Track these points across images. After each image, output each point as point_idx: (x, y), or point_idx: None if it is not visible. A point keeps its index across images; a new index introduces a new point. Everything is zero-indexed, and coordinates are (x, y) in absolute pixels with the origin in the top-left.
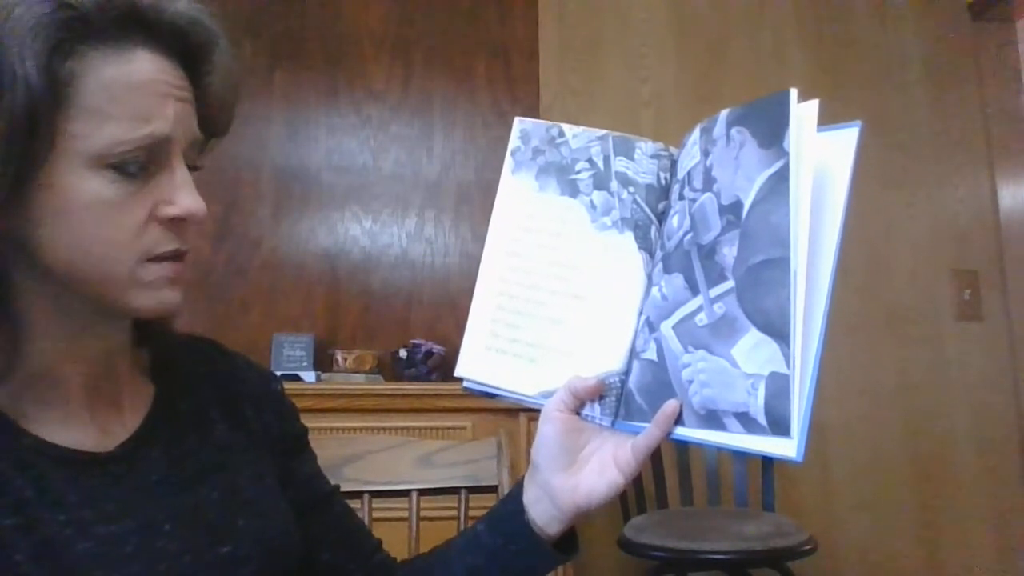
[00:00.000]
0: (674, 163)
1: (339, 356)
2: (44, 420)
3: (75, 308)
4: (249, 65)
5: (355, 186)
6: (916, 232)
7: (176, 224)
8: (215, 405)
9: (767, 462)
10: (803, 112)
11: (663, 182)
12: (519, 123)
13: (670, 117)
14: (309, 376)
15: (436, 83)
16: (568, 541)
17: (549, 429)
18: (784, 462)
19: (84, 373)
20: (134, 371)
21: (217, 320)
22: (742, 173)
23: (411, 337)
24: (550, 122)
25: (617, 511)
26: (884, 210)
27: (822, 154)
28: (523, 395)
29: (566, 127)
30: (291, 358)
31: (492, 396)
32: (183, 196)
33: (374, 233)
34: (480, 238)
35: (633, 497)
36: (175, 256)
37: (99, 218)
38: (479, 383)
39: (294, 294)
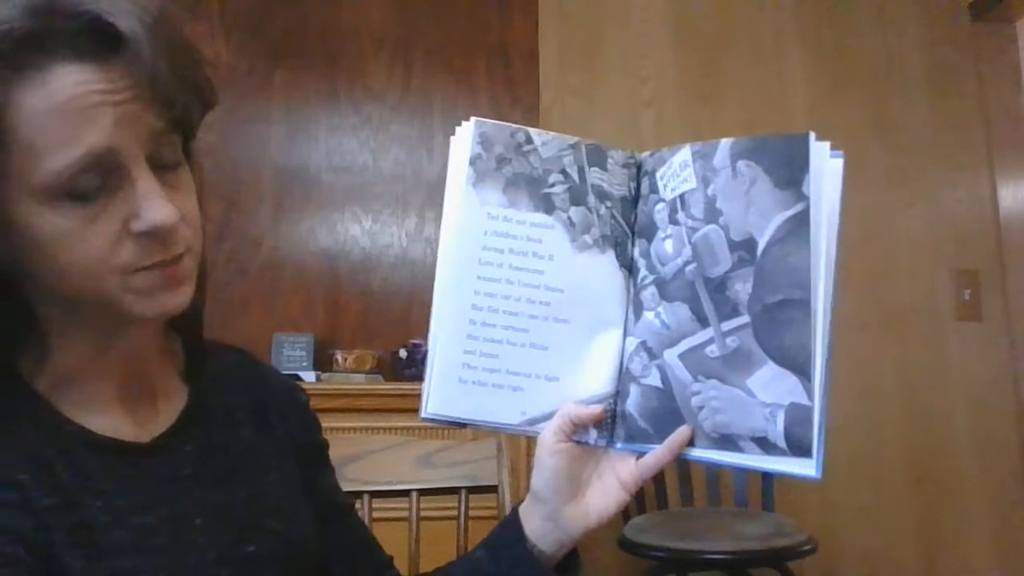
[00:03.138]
0: (639, 169)
1: (339, 356)
2: (82, 410)
3: (92, 318)
4: (249, 65)
5: (355, 186)
6: (916, 232)
7: (150, 236)
8: (243, 408)
9: None
10: (821, 154)
11: (633, 192)
12: (477, 125)
13: (670, 117)
14: (309, 376)
15: (436, 83)
16: (570, 558)
17: (556, 462)
18: (797, 478)
19: (115, 373)
20: (168, 372)
21: (217, 320)
22: (755, 210)
23: (411, 337)
24: (514, 125)
25: None
26: (884, 210)
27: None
28: (507, 425)
29: (533, 132)
30: (291, 358)
31: (461, 426)
32: (147, 209)
33: (374, 233)
34: None
35: (633, 497)
36: (165, 263)
37: (68, 247)
38: (452, 418)
39: (294, 294)
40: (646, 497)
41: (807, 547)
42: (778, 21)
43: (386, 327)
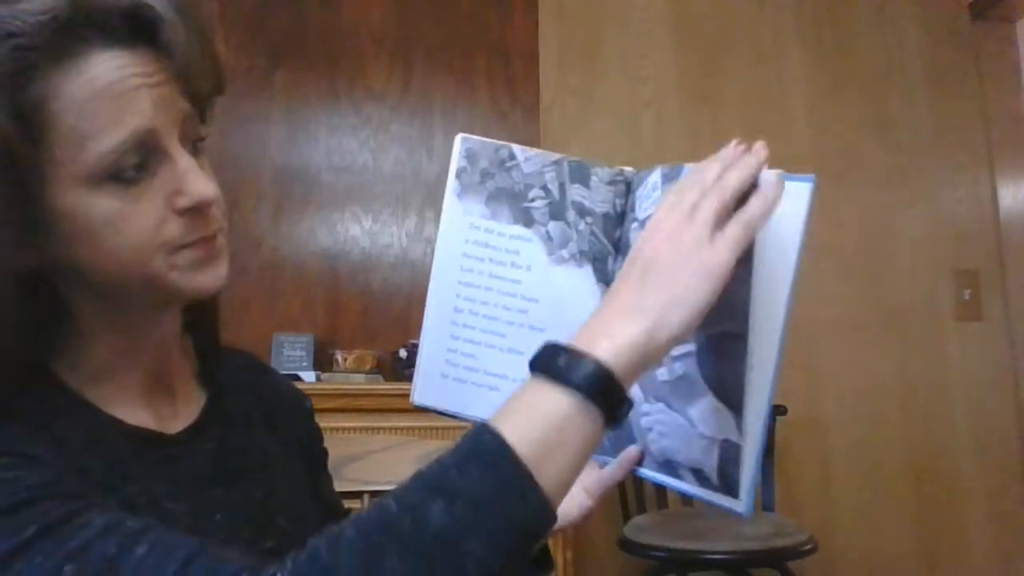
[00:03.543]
0: (629, 186)
1: (339, 356)
2: (111, 406)
3: (127, 307)
4: (249, 65)
5: (355, 186)
6: (916, 232)
7: (193, 212)
8: (255, 410)
9: (768, 462)
10: (769, 184)
11: (619, 209)
12: (463, 141)
13: (670, 117)
14: (309, 376)
15: (436, 83)
16: (543, 558)
17: None
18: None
19: (142, 368)
20: (185, 373)
21: None
22: None
23: (411, 337)
24: (499, 142)
25: (617, 511)
26: (884, 210)
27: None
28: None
29: (517, 149)
30: (291, 358)
31: (448, 416)
32: (190, 184)
33: (374, 233)
34: None
35: (633, 497)
36: (203, 240)
37: (118, 229)
38: (437, 409)
39: (294, 294)
40: (646, 497)
41: (807, 547)
42: (778, 21)
43: (386, 327)
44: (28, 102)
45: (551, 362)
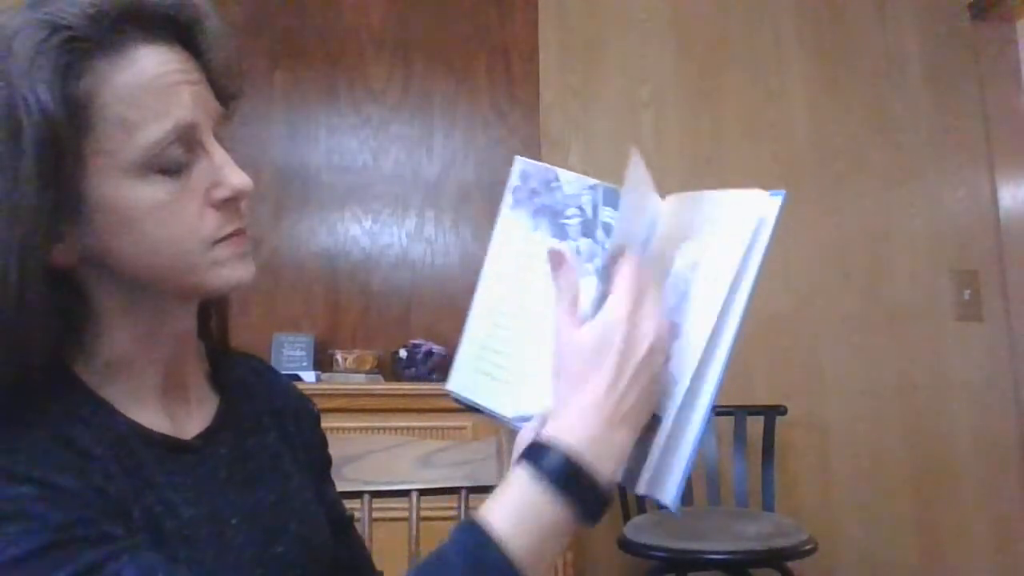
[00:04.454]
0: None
1: (339, 356)
2: (128, 407)
3: (149, 304)
4: (249, 65)
5: (355, 186)
6: (916, 232)
7: (229, 204)
8: (266, 414)
9: (768, 462)
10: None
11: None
12: (520, 163)
13: (670, 117)
14: (309, 376)
15: (436, 83)
16: None
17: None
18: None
19: (159, 367)
20: (199, 376)
21: None
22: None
23: (411, 337)
24: (548, 166)
25: (617, 511)
26: (884, 210)
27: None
28: (502, 415)
29: (562, 173)
30: (291, 358)
31: (476, 410)
32: (228, 176)
33: (374, 233)
34: (480, 238)
35: (633, 497)
36: (237, 233)
37: (161, 220)
38: (465, 398)
39: (294, 294)
40: (646, 497)
41: (807, 547)
42: (778, 21)
43: (386, 327)
44: (80, 92)
45: (565, 477)
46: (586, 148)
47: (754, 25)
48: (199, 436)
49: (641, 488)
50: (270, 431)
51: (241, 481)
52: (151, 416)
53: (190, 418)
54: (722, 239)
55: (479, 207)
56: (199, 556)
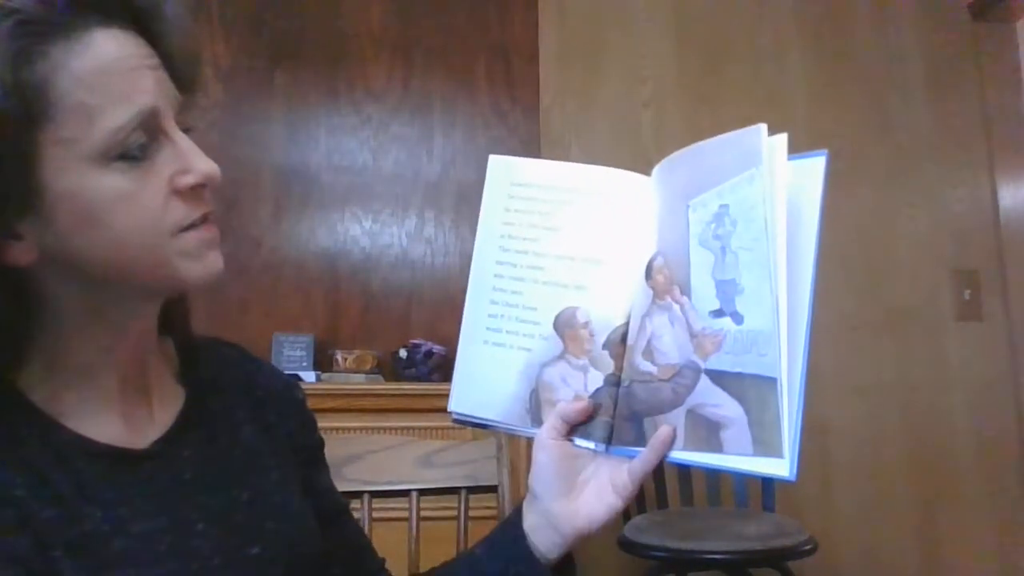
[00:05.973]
0: None
1: (339, 356)
2: (80, 416)
3: (109, 303)
4: (249, 65)
5: (355, 186)
6: (916, 232)
7: (195, 191)
8: (242, 407)
9: None
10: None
11: None
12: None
13: (670, 117)
14: (309, 376)
15: (436, 83)
16: (566, 564)
17: (544, 457)
18: (780, 480)
19: (118, 370)
20: (164, 373)
21: (217, 320)
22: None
23: (411, 337)
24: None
25: None
26: (884, 210)
27: (792, 182)
28: (516, 426)
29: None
30: (291, 358)
31: (484, 427)
32: (194, 162)
33: (374, 233)
34: None
35: (633, 497)
36: (204, 220)
37: (125, 210)
38: (472, 416)
39: (294, 294)
40: (646, 497)
41: (807, 547)
42: (778, 21)
43: (386, 327)
44: (34, 78)
45: None
46: (586, 148)
47: (754, 25)
48: (159, 440)
49: (786, 452)
50: (245, 425)
51: (210, 482)
52: (104, 427)
53: (152, 421)
54: (746, 179)
55: (479, 207)
56: (151, 573)
